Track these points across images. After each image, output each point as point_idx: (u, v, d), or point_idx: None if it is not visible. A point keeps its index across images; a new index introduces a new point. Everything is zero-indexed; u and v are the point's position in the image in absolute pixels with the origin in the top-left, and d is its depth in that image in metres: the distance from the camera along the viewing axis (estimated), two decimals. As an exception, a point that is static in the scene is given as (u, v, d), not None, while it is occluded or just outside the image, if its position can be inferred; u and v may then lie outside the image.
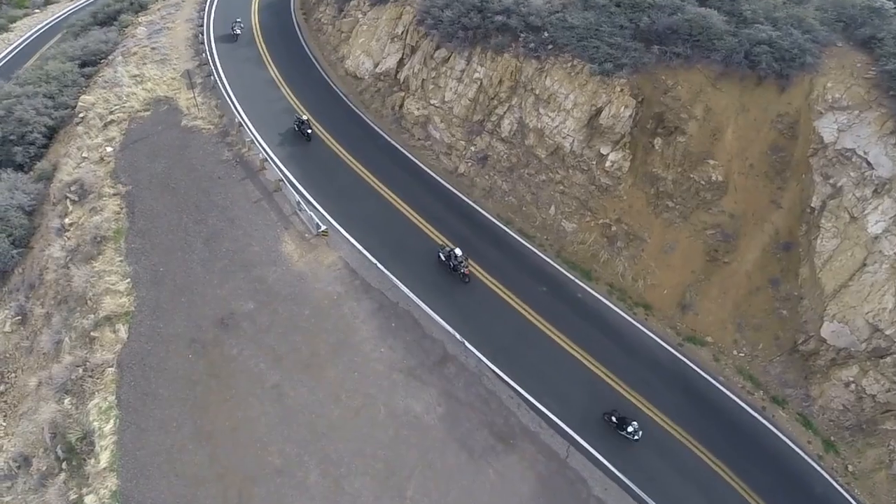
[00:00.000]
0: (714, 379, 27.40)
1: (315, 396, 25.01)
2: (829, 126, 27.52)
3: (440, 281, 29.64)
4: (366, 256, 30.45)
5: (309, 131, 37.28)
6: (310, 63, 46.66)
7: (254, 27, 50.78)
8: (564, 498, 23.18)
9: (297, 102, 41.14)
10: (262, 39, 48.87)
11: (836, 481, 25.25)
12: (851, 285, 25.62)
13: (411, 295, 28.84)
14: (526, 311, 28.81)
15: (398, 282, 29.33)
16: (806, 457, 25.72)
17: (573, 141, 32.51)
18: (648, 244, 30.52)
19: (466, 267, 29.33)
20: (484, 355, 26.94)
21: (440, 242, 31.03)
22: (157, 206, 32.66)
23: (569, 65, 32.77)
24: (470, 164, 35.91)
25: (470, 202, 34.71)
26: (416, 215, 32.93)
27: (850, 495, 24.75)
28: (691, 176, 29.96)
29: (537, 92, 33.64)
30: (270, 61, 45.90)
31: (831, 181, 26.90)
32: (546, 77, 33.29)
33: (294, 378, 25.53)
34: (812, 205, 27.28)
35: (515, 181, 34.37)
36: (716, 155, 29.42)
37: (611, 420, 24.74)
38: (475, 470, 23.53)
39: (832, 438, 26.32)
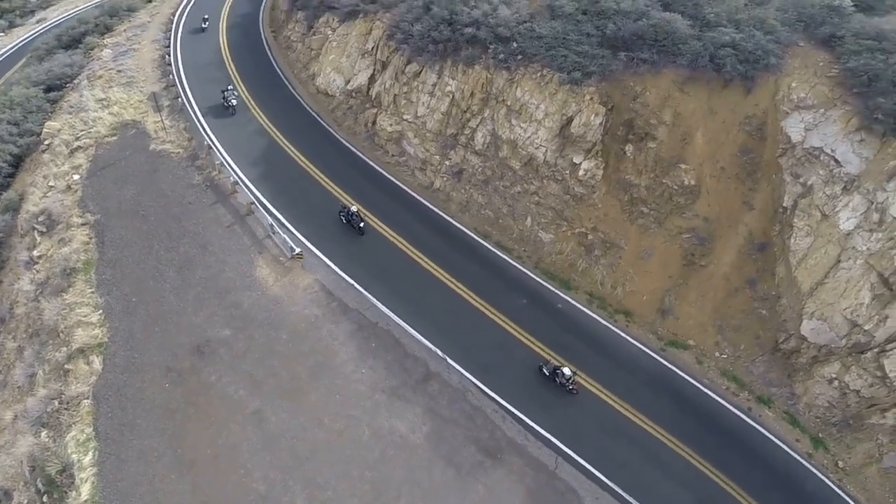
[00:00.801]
0: (698, 382, 27.44)
1: (297, 420, 24.64)
2: (796, 125, 27.86)
3: (417, 297, 29.44)
4: (342, 278, 30.10)
5: (362, 224, 32.59)
6: (280, 82, 46.32)
7: (222, 47, 50.31)
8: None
9: (267, 122, 40.73)
10: (230, 59, 48.41)
11: (828, 478, 25.30)
12: (828, 282, 25.81)
13: (391, 314, 28.53)
14: (507, 324, 28.69)
15: (377, 301, 29.01)
16: (796, 455, 25.77)
17: (546, 151, 32.54)
18: (625, 251, 30.58)
19: (575, 384, 26.19)
20: (467, 370, 26.74)
21: (544, 355, 27.85)
22: (127, 235, 32.00)
23: (538, 75, 32.84)
24: (445, 178, 35.77)
25: (446, 217, 34.53)
26: (392, 234, 32.63)
27: (844, 492, 24.81)
28: (664, 181, 30.10)
29: (509, 103, 33.66)
30: (239, 81, 45.47)
31: (801, 180, 27.19)
32: (517, 88, 33.32)
33: (274, 403, 25.14)
34: (784, 204, 27.54)
35: (491, 194, 34.29)
36: (687, 159, 29.62)
37: None
38: (464, 486, 23.31)
39: (820, 435, 26.38)
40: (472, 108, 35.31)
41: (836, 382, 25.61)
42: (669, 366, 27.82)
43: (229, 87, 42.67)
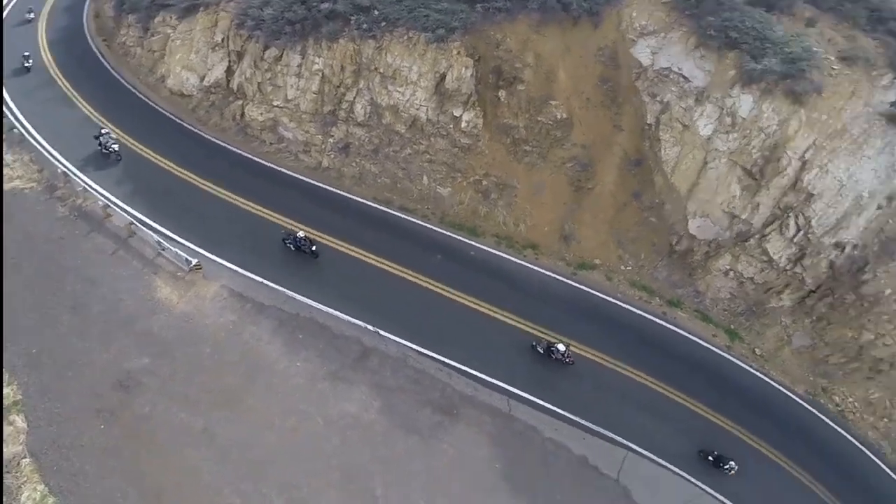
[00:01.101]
0: (612, 297, 29.99)
1: (247, 429, 24.21)
2: (644, 51, 30.79)
3: (332, 278, 29.49)
4: (250, 277, 29.26)
5: (314, 247, 30.34)
6: (125, 90, 42.68)
7: (49, 66, 45.08)
8: (520, 448, 24.66)
9: (124, 135, 37.58)
10: (62, 76, 43.59)
11: (751, 367, 28.52)
12: (701, 182, 29.28)
13: (309, 301, 28.38)
14: (428, 282, 29.55)
15: (291, 292, 28.70)
16: (717, 350, 28.84)
17: (427, 110, 33.39)
18: (519, 189, 32.48)
19: (570, 356, 26.97)
20: (403, 338, 27.46)
21: (536, 335, 28.03)
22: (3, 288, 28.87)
23: (405, 38, 33.28)
24: (333, 155, 35.52)
25: (343, 193, 34.44)
26: (291, 221, 31.96)
27: (769, 378, 28.19)
28: (539, 119, 32.13)
29: (381, 70, 33.89)
30: (79, 97, 41.30)
31: (658, 98, 30.30)
32: (386, 54, 33.57)
33: (219, 417, 24.48)
34: (648, 122, 30.62)
35: (383, 161, 34.67)
36: (555, 95, 31.73)
37: (707, 458, 25.36)
38: (430, 449, 24.27)
39: (732, 327, 29.70)
40: (345, 81, 35.12)
41: (731, 273, 29.22)
42: (584, 287, 30.25)
43: (104, 131, 36.10)
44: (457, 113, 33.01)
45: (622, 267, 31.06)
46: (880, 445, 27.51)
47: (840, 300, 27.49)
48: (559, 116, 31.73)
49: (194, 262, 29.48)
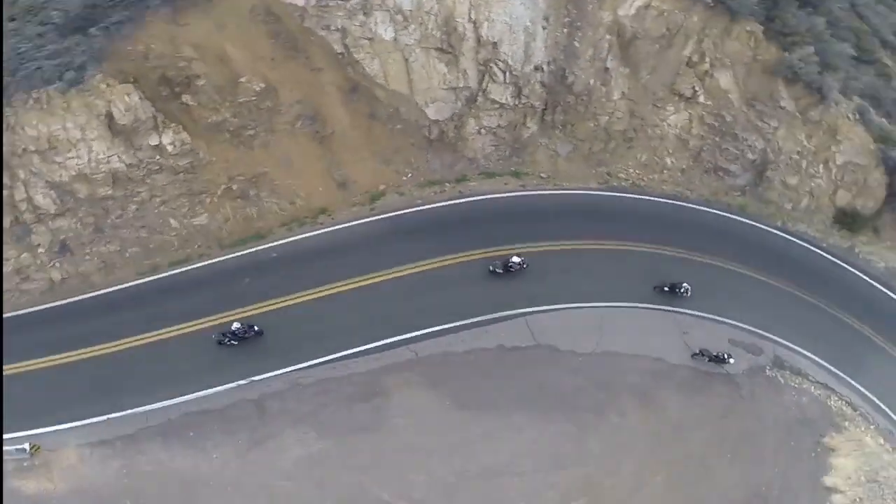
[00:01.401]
0: (414, 206, 32.40)
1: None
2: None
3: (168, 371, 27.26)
4: (95, 422, 26.01)
5: (255, 327, 27.65)
6: None
7: None
8: (450, 376, 27.31)
9: None
10: None
11: (545, 190, 33.67)
12: (413, 77, 32.38)
13: (168, 402, 26.43)
14: (253, 309, 28.63)
15: (147, 407, 26.30)
16: (513, 194, 33.28)
17: (118, 157, 29.26)
18: (271, 172, 31.66)
19: (524, 261, 29.27)
20: (278, 368, 27.25)
21: (495, 257, 29.57)
22: None
23: (30, 102, 27.73)
24: (57, 265, 29.45)
25: (101, 292, 29.53)
26: (69, 357, 27.37)
27: (565, 190, 33.63)
28: (241, 101, 30.66)
29: (33, 148, 28.05)
30: None
31: (333, 28, 31.10)
32: (24, 129, 27.69)
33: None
34: (339, 52, 31.57)
35: (115, 233, 30.19)
36: (241, 71, 30.28)
37: (663, 290, 30.19)
38: (387, 434, 25.85)
39: (512, 169, 34.36)
40: (-2, 183, 28.30)
41: (481, 130, 33.86)
42: (388, 215, 31.96)
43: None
44: (154, 141, 29.56)
45: (404, 178, 33.45)
46: (679, 192, 35.34)
47: (567, 105, 34.30)
48: (257, 88, 30.60)
49: (27, 445, 25.36)
